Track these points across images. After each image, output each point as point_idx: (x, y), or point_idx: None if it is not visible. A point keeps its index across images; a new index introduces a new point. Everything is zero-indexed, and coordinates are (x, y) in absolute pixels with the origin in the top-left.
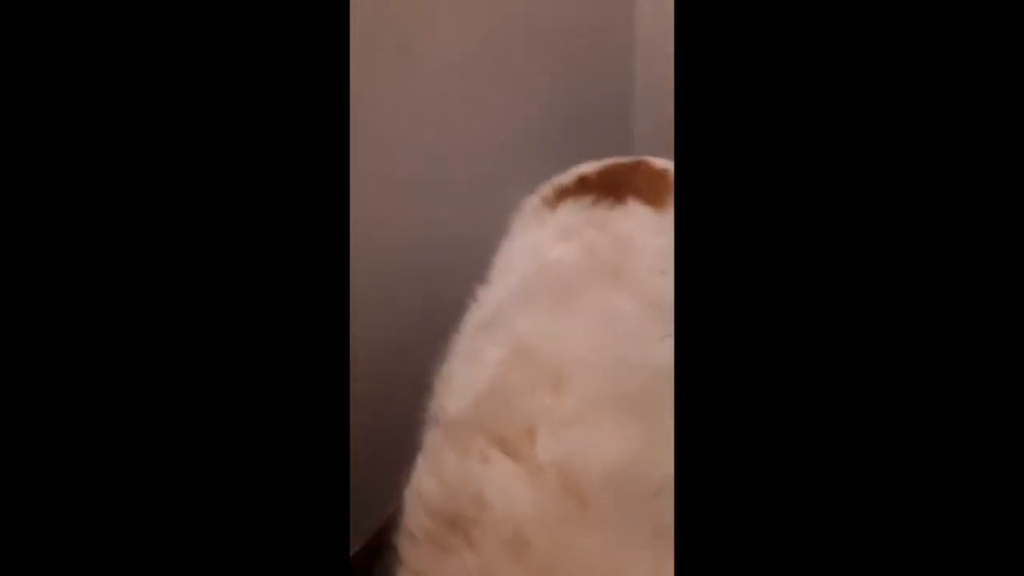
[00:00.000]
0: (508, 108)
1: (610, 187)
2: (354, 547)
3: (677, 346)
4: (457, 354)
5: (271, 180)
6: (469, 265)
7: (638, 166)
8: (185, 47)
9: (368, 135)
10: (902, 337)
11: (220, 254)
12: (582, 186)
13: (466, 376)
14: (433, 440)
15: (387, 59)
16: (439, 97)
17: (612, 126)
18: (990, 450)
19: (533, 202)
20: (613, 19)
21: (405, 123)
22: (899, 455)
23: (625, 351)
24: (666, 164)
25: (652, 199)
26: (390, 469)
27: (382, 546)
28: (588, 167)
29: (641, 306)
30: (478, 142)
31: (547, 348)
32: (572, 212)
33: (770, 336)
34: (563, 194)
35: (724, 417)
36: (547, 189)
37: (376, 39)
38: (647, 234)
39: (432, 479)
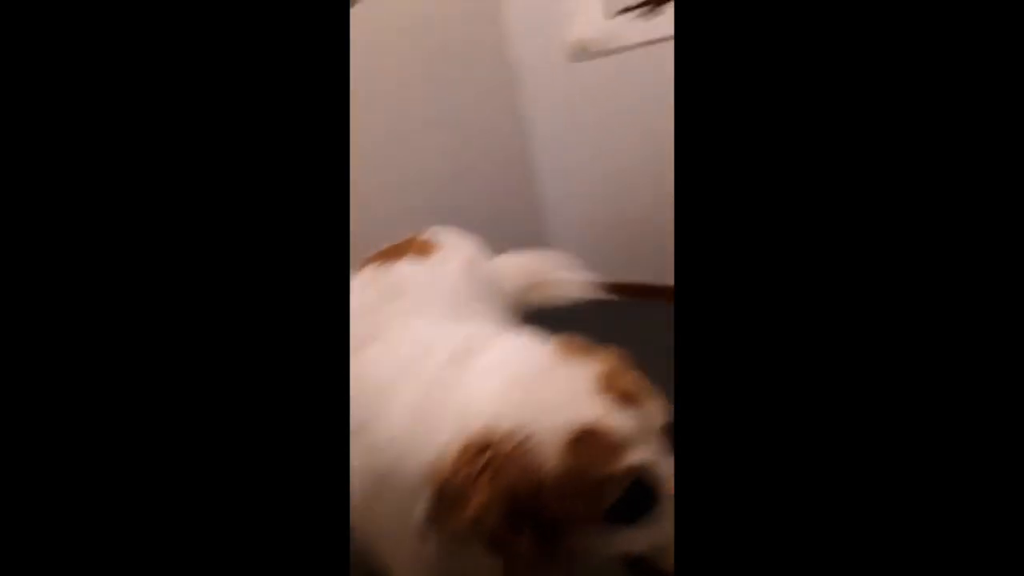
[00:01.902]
0: None
1: (389, 254)
2: None
3: (677, 349)
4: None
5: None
6: None
7: (411, 240)
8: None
9: None
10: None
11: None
12: (372, 258)
13: None
14: None
15: None
16: None
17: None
18: (989, 450)
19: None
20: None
21: None
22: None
23: None
24: (431, 234)
25: (419, 256)
26: None
27: None
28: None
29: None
30: None
31: None
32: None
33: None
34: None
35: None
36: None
37: None
38: (411, 267)
39: None
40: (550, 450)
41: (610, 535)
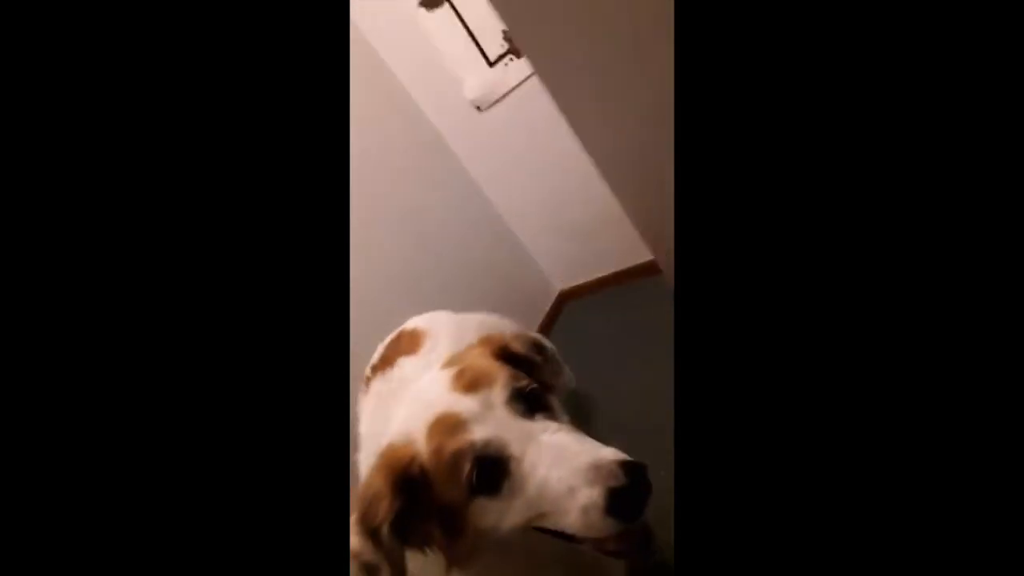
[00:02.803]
0: None
1: (388, 358)
2: None
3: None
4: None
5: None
6: None
7: (400, 336)
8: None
9: None
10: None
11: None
12: (376, 367)
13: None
14: None
15: None
16: None
17: None
18: (989, 450)
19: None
20: None
21: None
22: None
23: None
24: (416, 323)
25: (411, 351)
26: None
27: None
28: (377, 353)
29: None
30: None
31: None
32: (376, 383)
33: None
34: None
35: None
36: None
37: None
38: (410, 362)
39: None
40: (420, 439)
41: (485, 506)
